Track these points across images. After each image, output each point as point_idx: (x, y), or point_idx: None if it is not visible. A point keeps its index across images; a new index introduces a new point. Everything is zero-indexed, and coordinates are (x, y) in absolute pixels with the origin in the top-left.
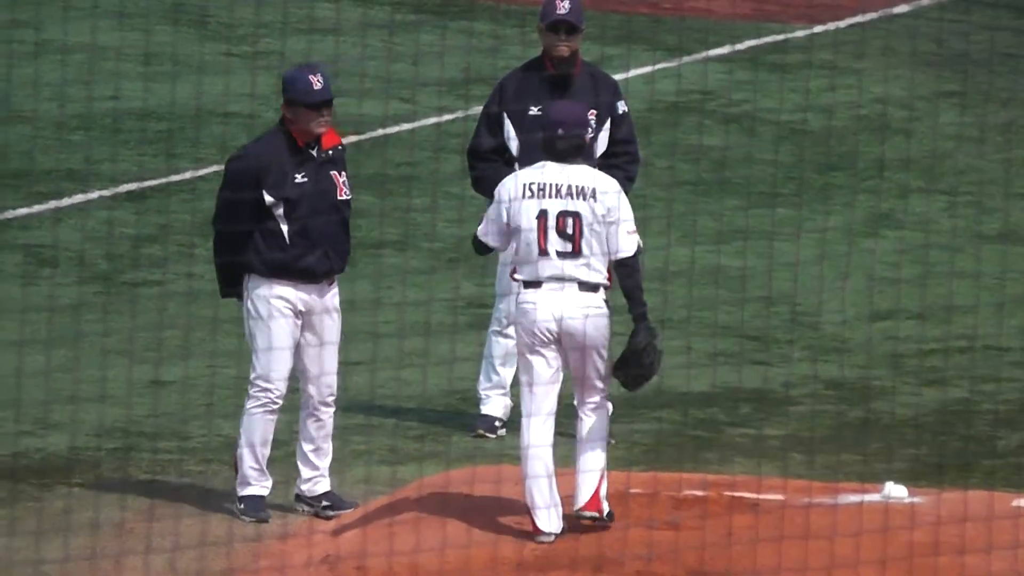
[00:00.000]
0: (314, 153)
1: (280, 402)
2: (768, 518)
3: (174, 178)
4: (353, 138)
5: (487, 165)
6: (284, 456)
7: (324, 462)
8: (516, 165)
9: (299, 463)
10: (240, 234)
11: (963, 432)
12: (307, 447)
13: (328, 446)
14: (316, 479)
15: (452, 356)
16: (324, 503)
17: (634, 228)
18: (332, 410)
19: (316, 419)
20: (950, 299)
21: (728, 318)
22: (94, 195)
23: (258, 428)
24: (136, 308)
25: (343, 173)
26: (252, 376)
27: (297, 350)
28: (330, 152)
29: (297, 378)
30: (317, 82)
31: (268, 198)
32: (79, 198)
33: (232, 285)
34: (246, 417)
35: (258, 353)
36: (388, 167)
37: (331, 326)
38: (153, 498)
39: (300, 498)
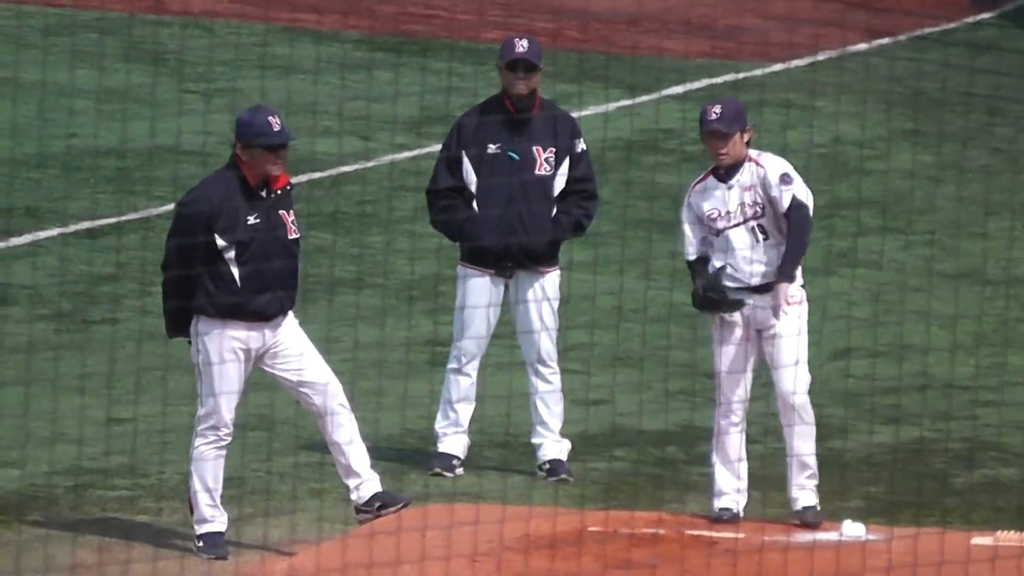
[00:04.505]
0: (264, 194)
1: (229, 439)
2: (723, 557)
3: (129, 216)
4: (307, 176)
5: (446, 204)
6: (237, 495)
7: (361, 466)
8: (475, 204)
9: (341, 477)
10: (191, 279)
11: (918, 470)
12: (339, 458)
13: (356, 449)
14: (360, 485)
15: (408, 395)
16: (377, 504)
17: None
18: (344, 414)
19: (333, 428)
20: (905, 337)
21: (683, 356)
22: (48, 233)
23: (210, 466)
24: (90, 346)
25: (291, 212)
26: (200, 415)
27: (279, 379)
28: (279, 192)
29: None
30: (276, 124)
31: (220, 242)
32: (32, 236)
33: (182, 328)
34: (196, 456)
35: (208, 394)
36: (344, 205)
37: (295, 336)
38: (107, 536)
39: (357, 509)
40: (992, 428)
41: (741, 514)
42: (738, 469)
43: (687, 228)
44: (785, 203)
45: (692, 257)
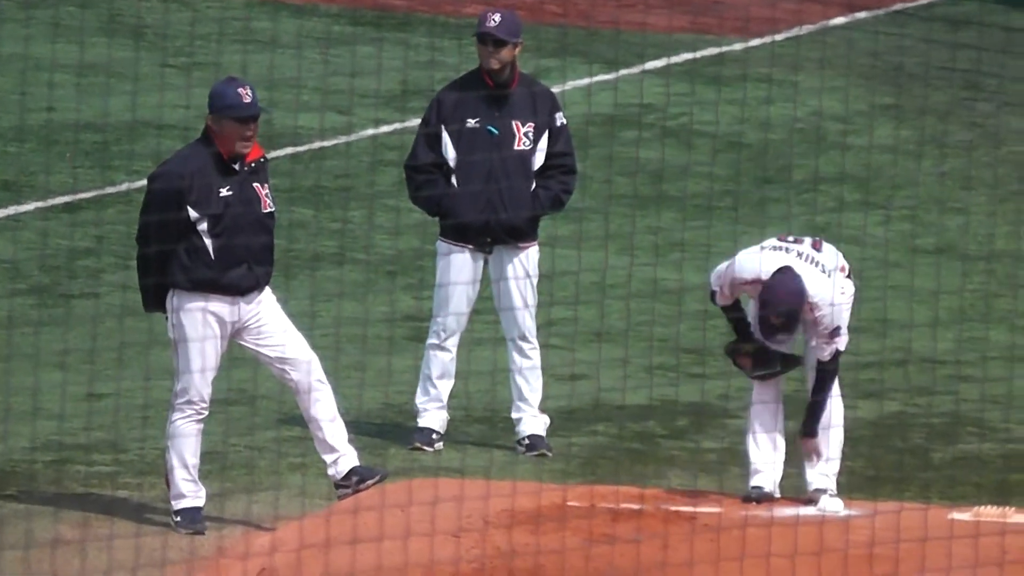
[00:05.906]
0: (237, 167)
1: (206, 413)
2: (705, 532)
3: (109, 190)
4: (288, 151)
5: (426, 179)
6: (219, 470)
7: (338, 441)
8: (454, 179)
9: (319, 452)
10: (166, 253)
11: (898, 445)
12: (316, 434)
13: (334, 425)
14: (337, 459)
15: (390, 370)
16: (355, 479)
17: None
18: (323, 390)
19: (311, 404)
20: (885, 313)
21: (665, 331)
22: (28, 207)
23: (187, 441)
24: (70, 321)
25: (266, 185)
26: (177, 389)
27: (257, 355)
28: (253, 165)
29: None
30: (246, 95)
31: (193, 214)
32: (12, 210)
33: (158, 302)
34: (173, 431)
35: (184, 369)
36: (325, 179)
37: (274, 312)
38: (88, 512)
39: (336, 485)
40: (972, 403)
41: (776, 493)
42: (774, 440)
43: (728, 288)
44: (826, 354)
45: (727, 303)
